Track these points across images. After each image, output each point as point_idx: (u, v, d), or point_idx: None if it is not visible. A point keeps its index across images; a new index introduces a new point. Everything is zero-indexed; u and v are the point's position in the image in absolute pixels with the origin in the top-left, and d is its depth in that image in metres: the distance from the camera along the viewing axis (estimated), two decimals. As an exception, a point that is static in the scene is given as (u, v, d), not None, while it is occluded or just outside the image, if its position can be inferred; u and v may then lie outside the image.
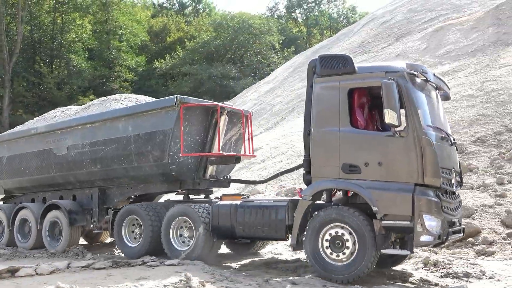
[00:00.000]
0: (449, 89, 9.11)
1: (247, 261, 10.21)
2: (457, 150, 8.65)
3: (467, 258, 9.46)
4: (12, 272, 8.31)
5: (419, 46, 26.97)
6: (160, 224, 10.00)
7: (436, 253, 9.67)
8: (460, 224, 8.41)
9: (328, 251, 7.87)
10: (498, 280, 7.99)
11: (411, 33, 30.37)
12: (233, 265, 9.82)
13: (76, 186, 12.13)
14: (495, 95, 16.92)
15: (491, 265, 8.86)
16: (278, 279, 8.10)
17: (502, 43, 22.12)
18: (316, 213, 8.09)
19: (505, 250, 9.81)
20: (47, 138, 12.22)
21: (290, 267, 9.34)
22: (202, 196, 11.31)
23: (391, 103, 7.28)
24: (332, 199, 8.52)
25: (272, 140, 23.62)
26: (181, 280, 7.16)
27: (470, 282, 8.01)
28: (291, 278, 8.24)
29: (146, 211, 10.21)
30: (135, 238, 10.57)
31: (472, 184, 12.54)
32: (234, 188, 11.74)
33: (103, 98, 13.71)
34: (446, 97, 9.04)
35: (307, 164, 8.37)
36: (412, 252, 7.67)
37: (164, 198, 12.29)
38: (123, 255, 10.72)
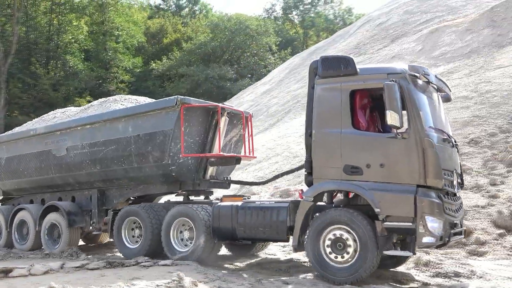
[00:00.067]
0: (450, 91, 9.14)
1: (241, 261, 10.24)
2: (458, 152, 8.65)
3: (458, 258, 9.55)
4: (6, 272, 8.29)
5: (414, 47, 27.07)
6: (160, 226, 9.96)
7: (427, 253, 9.71)
8: (461, 226, 8.43)
9: (330, 252, 7.86)
10: (488, 279, 8.07)
11: (406, 35, 30.49)
12: (229, 266, 9.83)
13: (75, 187, 12.08)
14: (489, 96, 16.99)
15: (482, 265, 8.94)
16: (270, 279, 8.14)
17: (497, 45, 22.22)
18: (317, 214, 8.09)
19: (496, 250, 9.88)
20: (46, 139, 12.17)
21: (283, 267, 9.40)
22: (202, 198, 11.27)
23: (393, 105, 7.28)
24: (333, 200, 8.53)
25: (268, 141, 23.63)
26: (173, 280, 7.18)
27: (460, 281, 8.08)
28: (283, 278, 8.29)
29: (146, 212, 10.18)
30: (134, 239, 10.53)
31: (465, 185, 12.58)
32: (229, 189, 11.78)
33: (103, 99, 13.69)
34: (447, 99, 9.06)
35: (309, 165, 8.36)
36: (414, 253, 7.68)
37: (163, 199, 12.26)
38: (123, 256, 10.68)
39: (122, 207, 11.00)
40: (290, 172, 10.55)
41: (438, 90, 8.57)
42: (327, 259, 7.87)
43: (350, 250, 7.71)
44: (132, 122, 10.51)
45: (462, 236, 8.48)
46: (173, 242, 9.78)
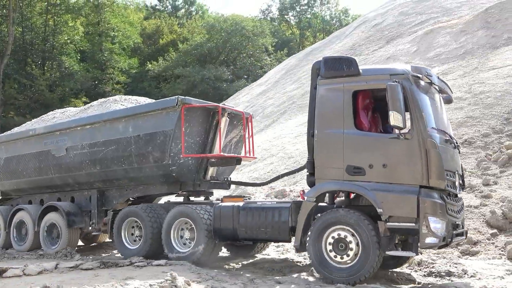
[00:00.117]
0: (452, 92, 9.16)
1: (235, 262, 10.28)
2: (459, 153, 8.68)
3: (451, 257, 9.62)
4: (0, 273, 8.27)
5: (409, 49, 27.17)
6: (161, 226, 9.93)
7: (420, 253, 9.77)
8: (463, 227, 8.45)
9: (332, 253, 7.86)
10: (479, 278, 8.13)
11: (401, 36, 30.58)
12: (223, 266, 9.84)
13: (75, 187, 12.05)
14: (483, 97, 17.05)
15: (474, 264, 9.02)
16: (263, 279, 8.17)
17: (491, 46, 22.31)
18: (319, 215, 8.09)
19: (488, 250, 9.94)
20: (45, 139, 12.13)
21: (277, 267, 9.44)
22: (202, 198, 11.26)
23: (396, 105, 7.29)
24: (335, 201, 8.54)
25: (263, 142, 23.63)
26: (166, 280, 7.20)
27: (451, 281, 8.15)
28: (276, 277, 8.33)
29: (146, 213, 10.15)
30: (134, 240, 10.52)
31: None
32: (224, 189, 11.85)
33: (103, 99, 13.64)
34: (448, 100, 9.08)
35: (311, 165, 8.36)
36: (417, 253, 7.70)
37: (163, 200, 12.24)
38: (123, 257, 10.65)
39: (122, 208, 10.98)
40: (292, 173, 10.54)
41: (440, 91, 8.60)
42: (328, 260, 7.86)
43: (352, 250, 7.71)
44: (133, 122, 10.49)
45: (464, 237, 8.50)
46: (173, 242, 9.76)
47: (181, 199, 11.05)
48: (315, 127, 8.30)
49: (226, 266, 9.77)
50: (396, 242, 7.75)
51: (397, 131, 7.51)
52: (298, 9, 79.35)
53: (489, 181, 12.44)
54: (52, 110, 15.93)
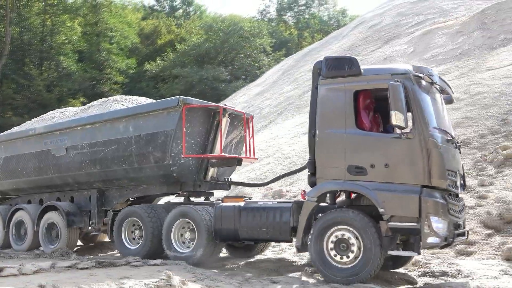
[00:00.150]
0: (453, 93, 9.17)
1: (232, 262, 10.29)
2: (460, 153, 8.69)
3: (446, 257, 9.62)
4: (-4, 272, 8.24)
5: (406, 49, 27.22)
6: (161, 226, 9.92)
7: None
8: (464, 227, 8.45)
9: (333, 253, 7.86)
10: (473, 278, 8.14)
11: (399, 37, 30.66)
12: (220, 266, 9.84)
13: (74, 187, 12.02)
14: (480, 98, 17.07)
15: (468, 265, 9.02)
16: (258, 278, 8.17)
17: (487, 47, 22.37)
18: (320, 215, 8.09)
19: (483, 250, 9.94)
20: (45, 139, 12.10)
21: (273, 267, 9.45)
22: (202, 199, 11.25)
23: (398, 105, 7.30)
24: (336, 201, 8.54)
25: (260, 142, 23.62)
26: (162, 279, 7.20)
27: (446, 281, 8.17)
28: (272, 277, 8.33)
29: (147, 213, 10.14)
30: (135, 240, 10.50)
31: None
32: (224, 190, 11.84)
33: (103, 99, 13.60)
34: (449, 101, 9.08)
35: (312, 165, 8.36)
36: (419, 253, 7.67)
37: (163, 200, 12.23)
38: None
39: (122, 208, 10.96)
40: (293, 173, 10.50)
41: (441, 91, 8.61)
42: (330, 260, 7.86)
43: (354, 250, 7.71)
44: (133, 122, 10.47)
45: (465, 237, 8.49)
46: (174, 243, 9.75)
47: (181, 199, 11.03)
48: (317, 127, 8.30)
49: (223, 266, 9.77)
50: (398, 242, 7.74)
51: (398, 130, 7.50)
52: (296, 10, 79.34)
53: (485, 182, 12.43)
54: (50, 110, 15.87)
